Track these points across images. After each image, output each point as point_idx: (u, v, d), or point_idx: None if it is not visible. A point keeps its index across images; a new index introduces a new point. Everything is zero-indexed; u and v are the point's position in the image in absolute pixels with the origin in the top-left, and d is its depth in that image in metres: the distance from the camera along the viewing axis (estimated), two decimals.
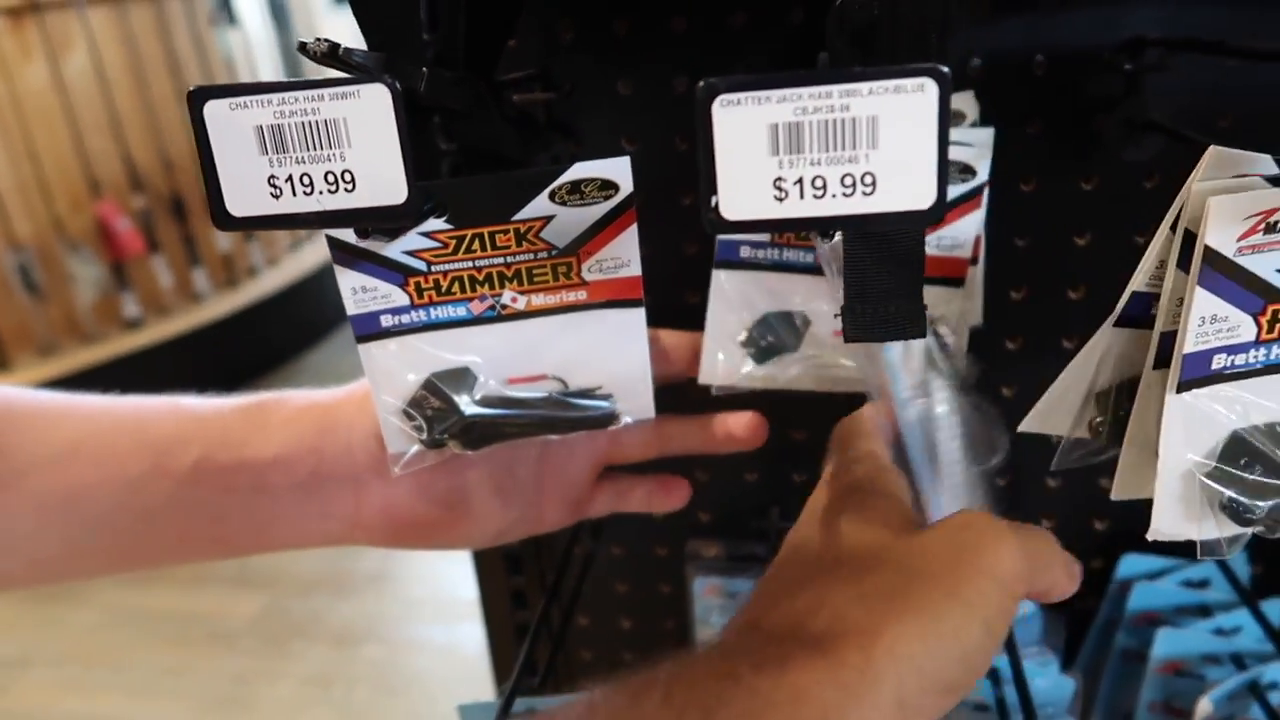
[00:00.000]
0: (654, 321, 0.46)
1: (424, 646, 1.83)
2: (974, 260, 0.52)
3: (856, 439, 0.41)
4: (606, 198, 0.40)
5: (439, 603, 1.96)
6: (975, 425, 0.45)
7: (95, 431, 0.46)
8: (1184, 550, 0.36)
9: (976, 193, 0.50)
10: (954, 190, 0.49)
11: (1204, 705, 0.51)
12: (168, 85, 2.86)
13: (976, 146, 0.49)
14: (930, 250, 0.51)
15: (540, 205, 0.40)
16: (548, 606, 0.59)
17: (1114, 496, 0.38)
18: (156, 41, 2.83)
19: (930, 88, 0.26)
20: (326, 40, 0.34)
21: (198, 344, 2.88)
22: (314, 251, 3.37)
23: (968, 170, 0.50)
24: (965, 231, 0.50)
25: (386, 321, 0.43)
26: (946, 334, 0.44)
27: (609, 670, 0.71)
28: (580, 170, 0.40)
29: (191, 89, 0.29)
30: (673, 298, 0.60)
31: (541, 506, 0.51)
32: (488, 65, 0.45)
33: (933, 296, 0.52)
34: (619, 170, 0.40)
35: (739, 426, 0.51)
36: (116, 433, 0.46)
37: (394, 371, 0.44)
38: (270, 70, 3.38)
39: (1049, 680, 0.56)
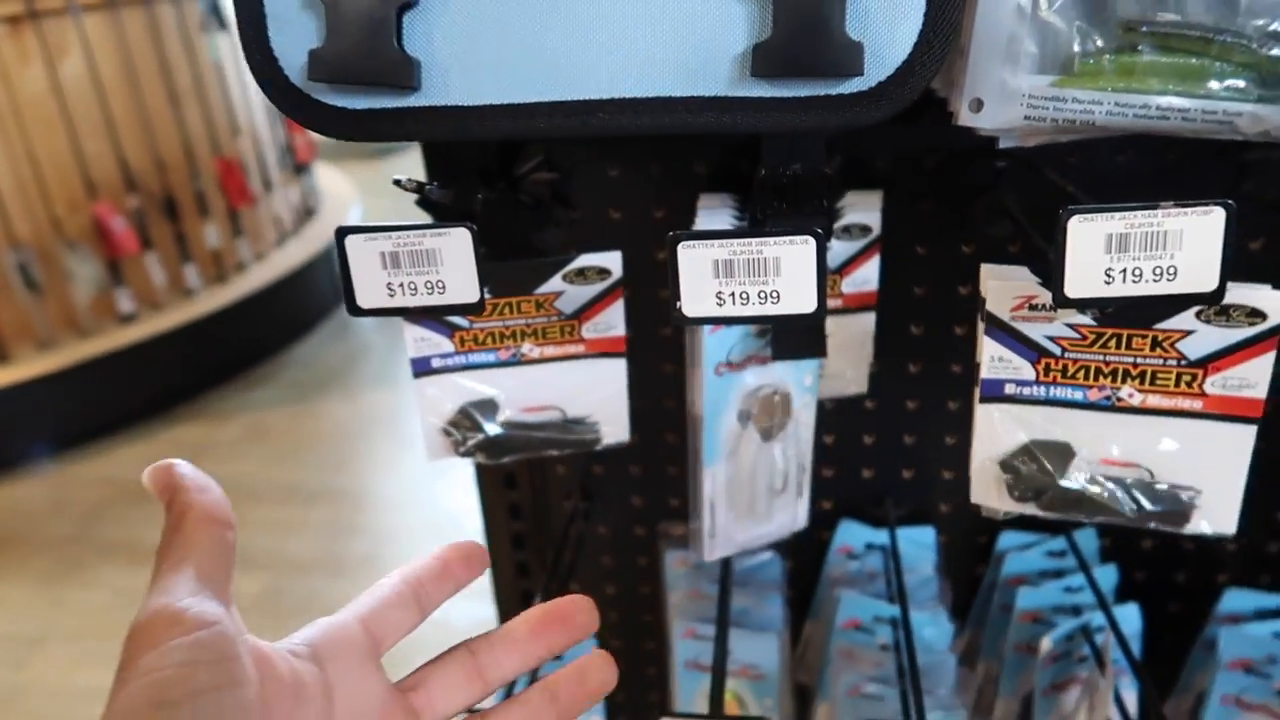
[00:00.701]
0: (638, 339, 0.62)
1: None
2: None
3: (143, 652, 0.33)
4: (602, 279, 0.56)
5: None
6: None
7: None
8: (1048, 527, 0.52)
9: (874, 243, 0.66)
10: (858, 244, 0.66)
11: (1045, 644, 0.68)
12: (160, 89, 2.97)
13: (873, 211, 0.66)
14: (848, 289, 0.68)
15: (554, 283, 0.56)
16: (551, 576, 0.75)
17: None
18: (149, 47, 2.93)
19: (811, 241, 0.42)
20: (415, 180, 0.50)
21: (190, 338, 2.99)
22: (299, 248, 3.48)
23: (866, 229, 0.66)
24: (870, 272, 0.67)
25: (436, 363, 0.59)
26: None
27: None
28: (584, 259, 0.56)
29: (338, 227, 0.45)
30: (649, 333, 0.76)
31: None
32: (511, 167, 0.61)
33: (852, 323, 0.69)
34: (612, 260, 0.56)
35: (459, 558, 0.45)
36: None
37: (439, 399, 0.60)
38: None
39: (938, 628, 0.74)
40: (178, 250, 3.05)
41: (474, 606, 2.11)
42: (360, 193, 4.05)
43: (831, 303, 0.68)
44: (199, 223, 3.12)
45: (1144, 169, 0.66)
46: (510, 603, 0.91)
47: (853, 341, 0.71)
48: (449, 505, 2.34)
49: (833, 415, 0.78)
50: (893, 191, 0.68)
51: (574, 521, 0.82)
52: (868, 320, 0.70)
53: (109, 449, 2.77)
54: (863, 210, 0.65)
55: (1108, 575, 0.75)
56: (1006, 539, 0.78)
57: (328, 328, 3.44)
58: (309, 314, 3.47)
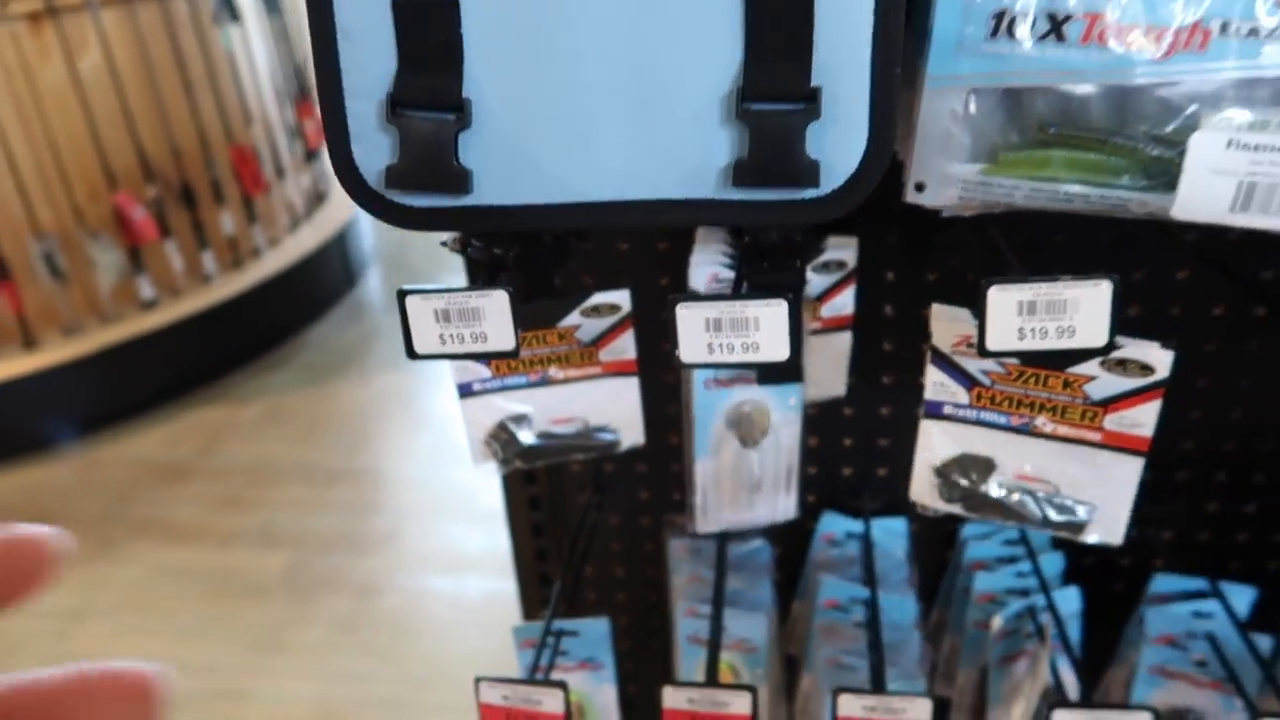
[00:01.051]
0: (643, 352, 0.72)
1: (435, 596, 2.11)
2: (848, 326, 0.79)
3: None
4: (614, 313, 0.66)
5: (446, 558, 2.22)
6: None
7: None
8: None
9: (849, 276, 0.76)
10: (832, 277, 0.76)
11: (996, 622, 0.78)
12: (175, 80, 3.06)
13: (848, 250, 0.76)
14: (826, 314, 0.78)
15: (574, 318, 0.66)
16: (568, 562, 0.86)
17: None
18: (164, 39, 3.01)
19: (784, 304, 0.52)
20: (459, 240, 0.60)
21: (209, 322, 3.10)
22: (311, 233, 3.58)
23: (842, 264, 0.76)
24: (845, 300, 0.78)
25: (477, 386, 0.69)
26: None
27: (609, 603, 0.99)
28: (599, 297, 0.66)
29: (399, 289, 0.55)
30: (652, 342, 0.86)
31: None
32: None
33: (830, 341, 0.79)
34: (622, 297, 0.66)
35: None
36: None
37: (480, 416, 0.70)
38: (265, 61, 3.56)
39: (906, 608, 0.84)
40: (195, 238, 3.14)
41: (488, 582, 2.23)
42: None
43: (812, 325, 0.78)
44: (215, 210, 3.21)
45: (1082, 217, 0.75)
46: (530, 585, 1.01)
47: (830, 356, 0.81)
48: (464, 483, 2.45)
49: (817, 421, 0.88)
50: (866, 227, 0.78)
51: (588, 512, 0.92)
52: (843, 339, 0.80)
53: (134, 431, 2.88)
54: (839, 249, 0.75)
55: (1056, 561, 0.86)
56: (969, 528, 0.89)
57: (340, 311, 3.55)
58: (322, 298, 3.57)
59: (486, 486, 2.40)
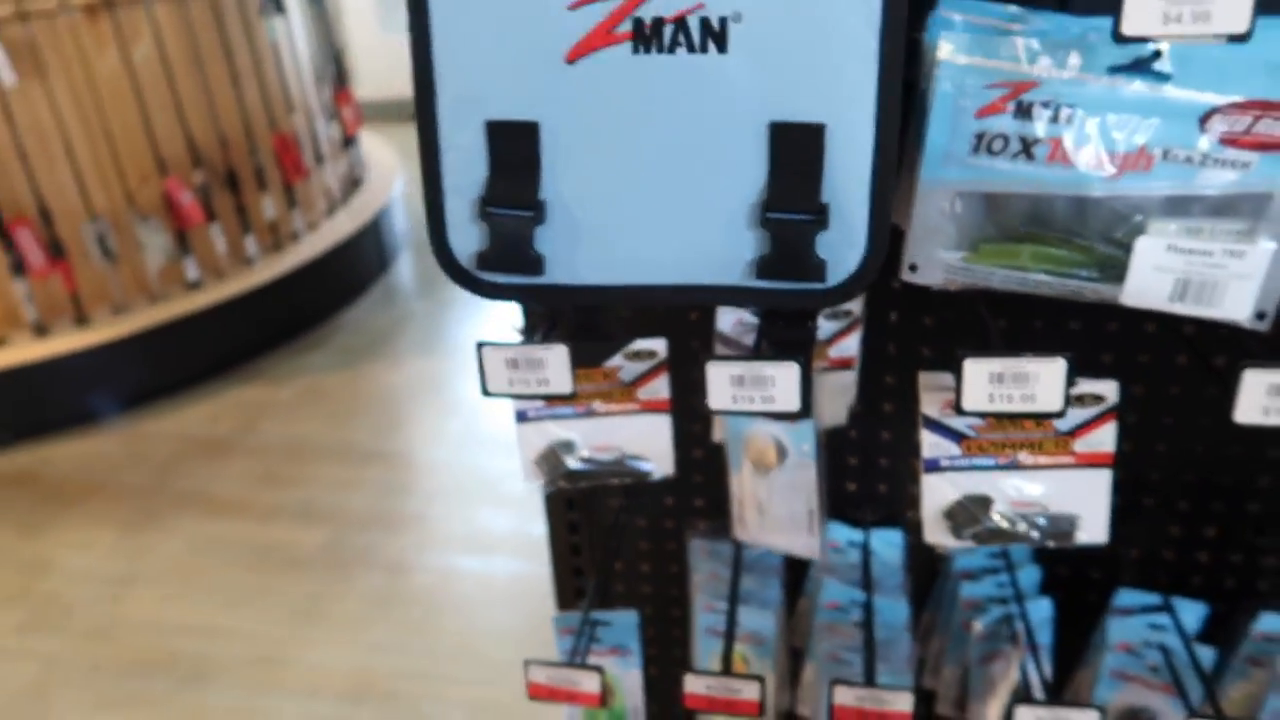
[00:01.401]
0: (673, 376, 0.83)
1: (464, 574, 2.24)
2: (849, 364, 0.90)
3: None
4: (652, 358, 0.77)
5: (474, 538, 2.35)
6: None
7: None
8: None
9: (854, 322, 0.87)
10: (839, 323, 0.87)
11: (976, 626, 0.89)
12: (222, 70, 3.17)
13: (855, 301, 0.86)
14: (835, 354, 0.89)
15: (616, 360, 0.78)
16: (602, 561, 0.97)
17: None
18: (213, 31, 3.13)
19: (796, 366, 0.63)
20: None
21: (249, 304, 3.23)
22: (348, 218, 3.70)
23: (849, 313, 0.87)
24: (851, 344, 0.88)
25: (531, 414, 0.80)
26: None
27: (636, 595, 1.10)
28: (639, 344, 0.77)
29: (478, 341, 0.66)
30: (683, 373, 0.97)
31: None
32: None
33: (836, 378, 0.90)
34: (660, 345, 0.77)
35: None
36: None
37: (533, 440, 0.81)
38: (306, 49, 3.67)
39: (899, 611, 0.95)
40: (239, 222, 3.27)
41: (514, 563, 2.37)
42: (400, 157, 4.25)
43: (821, 364, 0.89)
44: (257, 195, 3.34)
45: None
46: (565, 576, 1.13)
47: (836, 391, 0.92)
48: (490, 469, 2.58)
49: (826, 443, 0.99)
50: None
51: (619, 515, 1.04)
52: (848, 376, 0.91)
53: (178, 407, 3.02)
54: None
55: (1034, 574, 0.97)
56: None
57: (373, 294, 3.67)
58: (357, 281, 3.70)
59: (512, 472, 2.52)
